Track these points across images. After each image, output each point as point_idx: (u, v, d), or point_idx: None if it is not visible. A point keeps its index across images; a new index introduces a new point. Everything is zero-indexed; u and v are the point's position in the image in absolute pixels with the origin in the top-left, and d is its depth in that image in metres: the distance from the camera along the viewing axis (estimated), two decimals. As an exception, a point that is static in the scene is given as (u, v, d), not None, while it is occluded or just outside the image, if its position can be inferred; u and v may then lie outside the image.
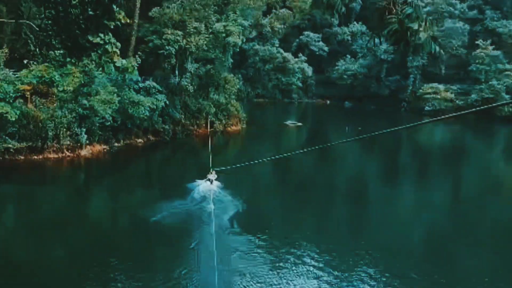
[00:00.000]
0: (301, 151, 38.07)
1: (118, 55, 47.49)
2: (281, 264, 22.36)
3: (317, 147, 38.81)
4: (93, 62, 44.90)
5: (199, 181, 34.10)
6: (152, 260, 22.47)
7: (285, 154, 35.20)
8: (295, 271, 21.72)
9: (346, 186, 39.36)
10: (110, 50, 46.96)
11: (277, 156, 37.97)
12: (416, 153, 60.06)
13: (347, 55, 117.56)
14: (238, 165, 34.77)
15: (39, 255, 22.56)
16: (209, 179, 34.61)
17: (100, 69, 45.58)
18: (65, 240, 24.60)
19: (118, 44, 47.88)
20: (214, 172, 34.93)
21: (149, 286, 19.75)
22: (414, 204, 35.28)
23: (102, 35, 46.57)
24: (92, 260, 22.10)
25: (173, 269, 21.24)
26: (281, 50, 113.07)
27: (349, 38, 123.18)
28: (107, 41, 46.89)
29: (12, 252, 23.12)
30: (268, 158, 38.08)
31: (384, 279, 21.49)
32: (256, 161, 31.20)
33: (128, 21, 49.73)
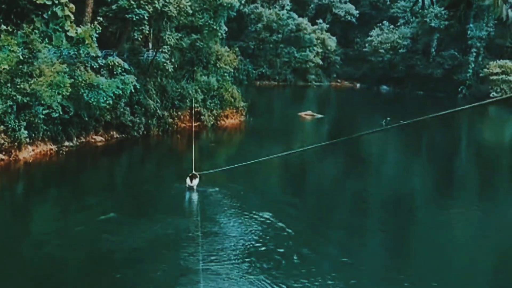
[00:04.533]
0: (310, 146, 38.18)
1: (71, 21, 47.36)
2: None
3: (330, 142, 38.74)
4: (37, 30, 44.72)
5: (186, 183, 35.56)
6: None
7: (289, 152, 35.13)
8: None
9: (382, 200, 39.10)
10: (60, 14, 46.80)
11: (279, 154, 38.03)
12: (480, 154, 59.92)
13: (384, 22, 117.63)
14: (228, 167, 35.51)
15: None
16: (188, 186, 35.33)
17: (46, 40, 45.43)
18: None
19: (72, 5, 47.80)
20: (196, 178, 35.47)
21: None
22: (477, 227, 35.02)
23: (50, -8, 46.40)
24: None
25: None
26: (294, 15, 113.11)
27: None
28: (57, 1, 46.74)
29: None
30: (266, 157, 38.16)
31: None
32: (251, 162, 31.82)
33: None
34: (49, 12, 46.14)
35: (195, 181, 35.52)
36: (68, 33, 46.17)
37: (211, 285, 23.00)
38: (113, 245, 27.19)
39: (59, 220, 31.90)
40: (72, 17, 46.60)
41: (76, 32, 45.95)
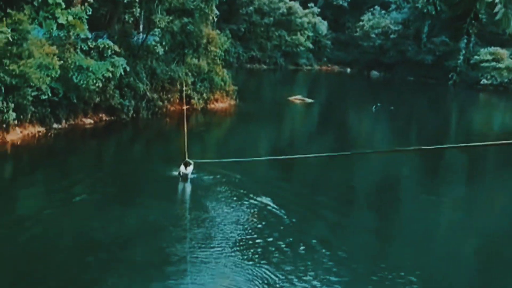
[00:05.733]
0: (315, 155, 38.34)
1: (62, 8, 46.96)
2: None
3: (343, 153, 39.36)
4: (28, 16, 44.45)
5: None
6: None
7: (291, 156, 35.26)
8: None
9: (369, 189, 39.21)
10: (51, 1, 46.47)
11: (277, 157, 38.04)
12: (470, 140, 59.98)
13: (376, 6, 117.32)
14: (225, 160, 35.08)
15: None
16: (182, 174, 34.75)
17: (36, 23, 45.03)
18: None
19: (63, -7, 47.48)
20: (190, 165, 34.86)
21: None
22: (463, 213, 35.19)
23: (39, -22, 46.02)
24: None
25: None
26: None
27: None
28: (47, -13, 46.41)
29: None
30: (265, 158, 38.37)
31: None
32: (247, 159, 31.72)
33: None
34: (40, 0, 45.65)
35: (189, 168, 34.61)
36: (58, 20, 45.78)
37: (198, 274, 22.92)
38: (97, 230, 27.03)
39: (44, 203, 31.73)
40: (64, 5, 46.20)
41: (67, 20, 45.55)
